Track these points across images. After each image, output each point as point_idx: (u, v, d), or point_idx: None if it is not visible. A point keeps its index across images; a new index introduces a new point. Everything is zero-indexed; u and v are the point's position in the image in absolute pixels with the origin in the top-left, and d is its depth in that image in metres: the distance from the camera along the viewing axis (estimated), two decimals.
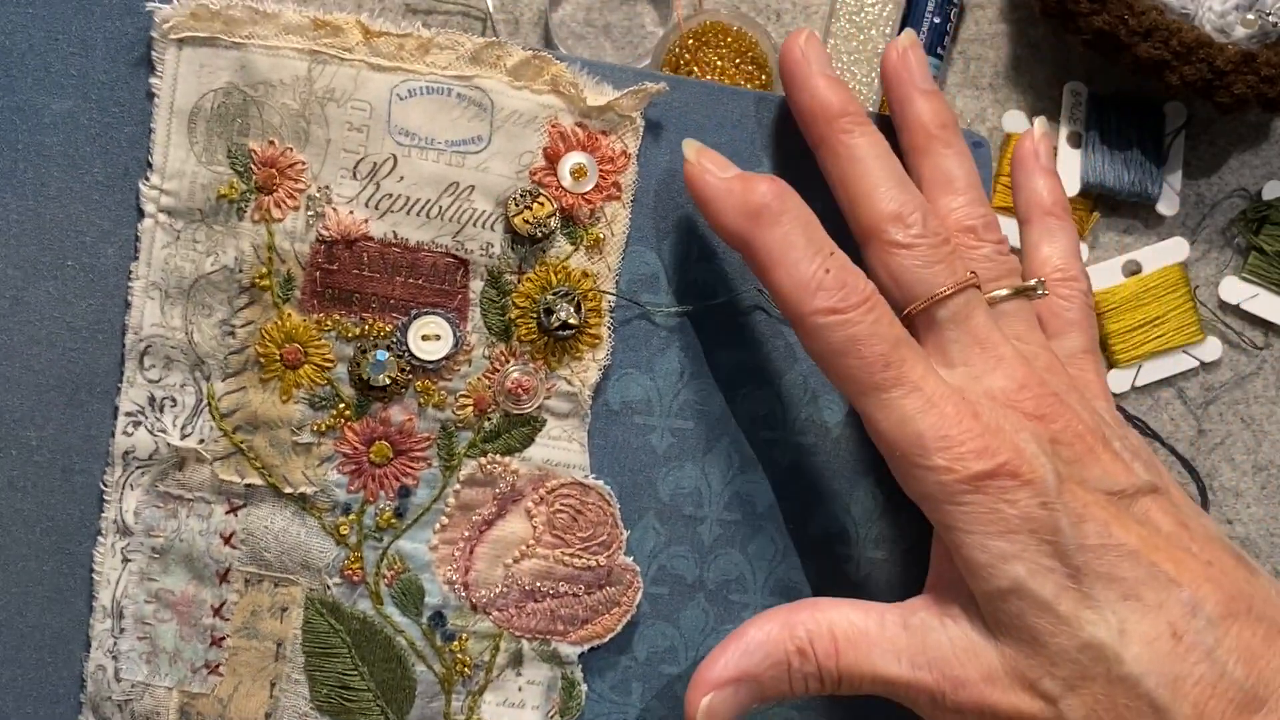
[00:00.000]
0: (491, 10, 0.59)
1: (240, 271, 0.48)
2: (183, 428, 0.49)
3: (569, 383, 0.49)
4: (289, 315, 0.48)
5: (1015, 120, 0.60)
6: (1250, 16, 0.56)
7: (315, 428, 0.48)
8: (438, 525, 0.49)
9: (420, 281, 0.48)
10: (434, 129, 0.48)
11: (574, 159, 0.49)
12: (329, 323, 0.48)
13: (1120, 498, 0.43)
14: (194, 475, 0.48)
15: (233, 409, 0.49)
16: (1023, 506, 0.41)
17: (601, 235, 0.49)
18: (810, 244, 0.44)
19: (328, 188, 0.48)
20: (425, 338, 0.48)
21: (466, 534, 0.49)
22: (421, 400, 0.48)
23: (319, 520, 0.48)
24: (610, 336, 0.50)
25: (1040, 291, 0.49)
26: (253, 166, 0.48)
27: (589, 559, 0.49)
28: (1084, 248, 0.60)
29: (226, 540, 0.49)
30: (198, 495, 0.48)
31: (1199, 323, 0.60)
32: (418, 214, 0.48)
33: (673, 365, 0.51)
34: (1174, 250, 0.60)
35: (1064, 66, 0.61)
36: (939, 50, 0.59)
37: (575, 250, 0.49)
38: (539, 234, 0.48)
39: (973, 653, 0.42)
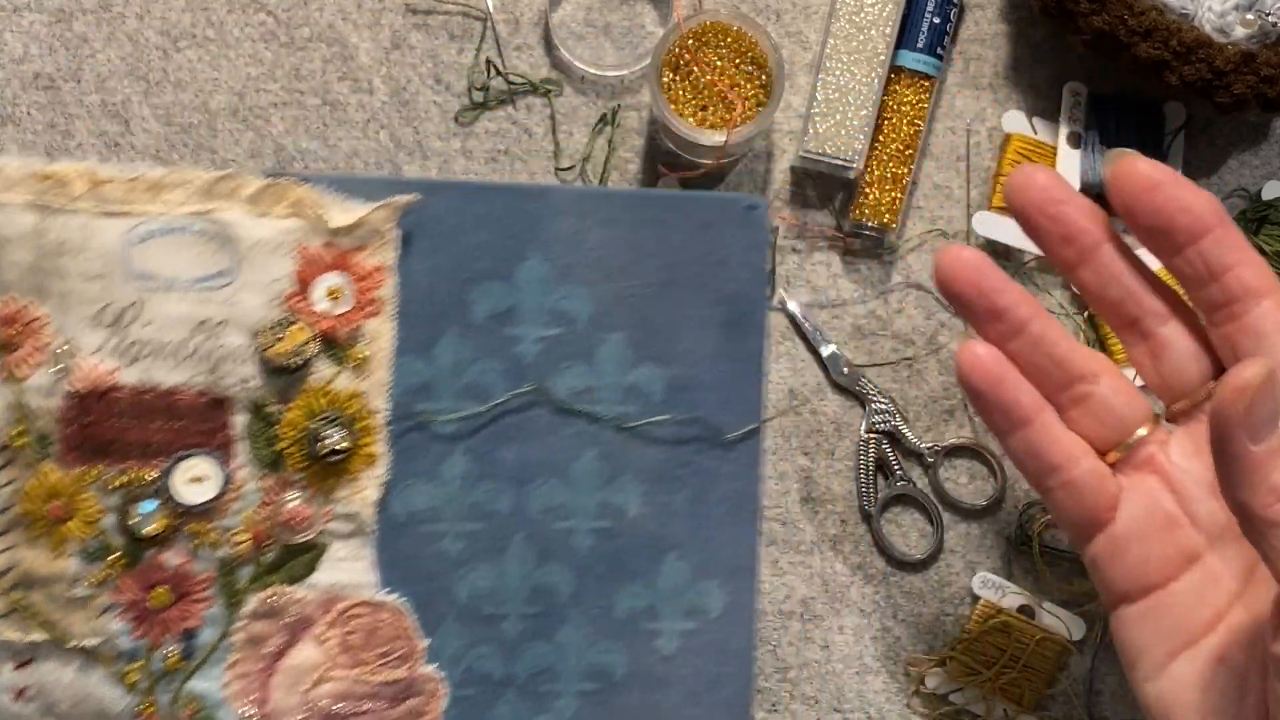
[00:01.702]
0: (491, 10, 0.59)
1: None
2: None
3: (348, 504, 0.48)
4: (49, 472, 0.47)
5: (1015, 120, 0.59)
6: (1250, 16, 0.55)
7: (91, 580, 0.47)
8: (228, 662, 0.48)
9: (180, 424, 0.47)
10: (176, 268, 0.46)
11: (327, 281, 0.47)
12: (91, 475, 0.47)
13: None
14: None
15: (6, 568, 0.48)
16: None
17: (365, 353, 0.48)
18: None
19: (73, 340, 0.46)
20: (193, 480, 0.47)
21: (259, 667, 0.48)
22: (195, 542, 0.47)
23: (107, 670, 0.47)
24: (387, 452, 0.49)
25: None
26: None
27: (387, 675, 0.48)
28: None
29: (18, 695, 0.48)
30: None
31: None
32: (169, 356, 0.47)
33: (457, 470, 0.50)
34: None
35: (1064, 67, 0.59)
36: (939, 50, 0.57)
37: (340, 371, 0.48)
38: (296, 362, 0.47)
39: None
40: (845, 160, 0.56)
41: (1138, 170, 0.40)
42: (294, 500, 0.48)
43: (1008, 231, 0.58)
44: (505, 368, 0.50)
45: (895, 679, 0.57)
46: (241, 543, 0.48)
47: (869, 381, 0.57)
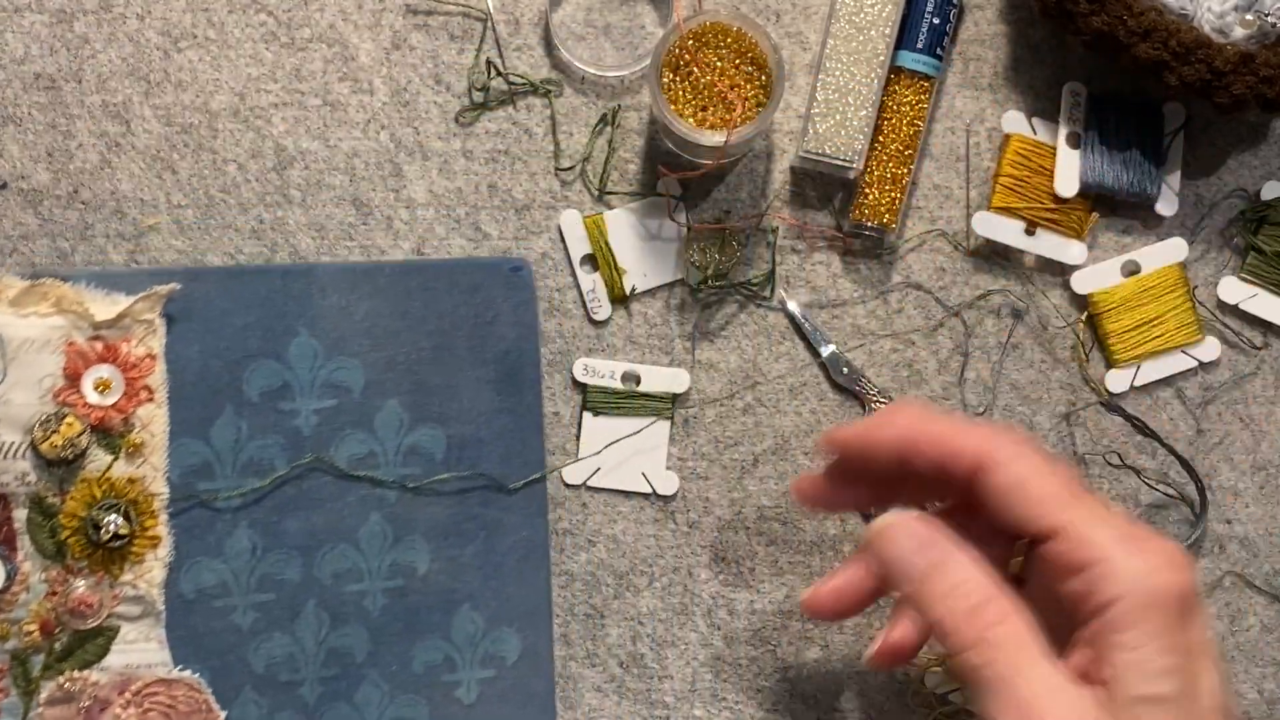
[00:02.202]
0: (492, 11, 0.60)
1: None
2: None
3: (134, 586, 0.50)
4: None
5: (1015, 120, 0.58)
6: (1249, 17, 0.55)
7: None
8: None
9: None
10: None
11: (96, 373, 0.49)
12: None
13: None
14: None
15: None
16: None
17: (139, 439, 0.49)
18: None
19: None
20: None
21: None
22: None
23: None
24: (170, 533, 0.50)
25: None
26: None
27: None
28: (1083, 248, 0.59)
29: None
30: None
31: (1198, 323, 0.58)
32: None
33: (243, 544, 0.51)
34: (1173, 250, 0.58)
35: (1063, 67, 0.58)
36: (938, 50, 0.57)
37: (116, 459, 0.49)
38: (70, 454, 0.48)
39: None
40: (845, 160, 0.56)
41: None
42: (80, 588, 0.49)
43: (1007, 231, 0.58)
44: (284, 441, 0.52)
45: (895, 679, 0.57)
46: (30, 633, 0.49)
47: (869, 381, 0.57)
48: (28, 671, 0.50)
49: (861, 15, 0.56)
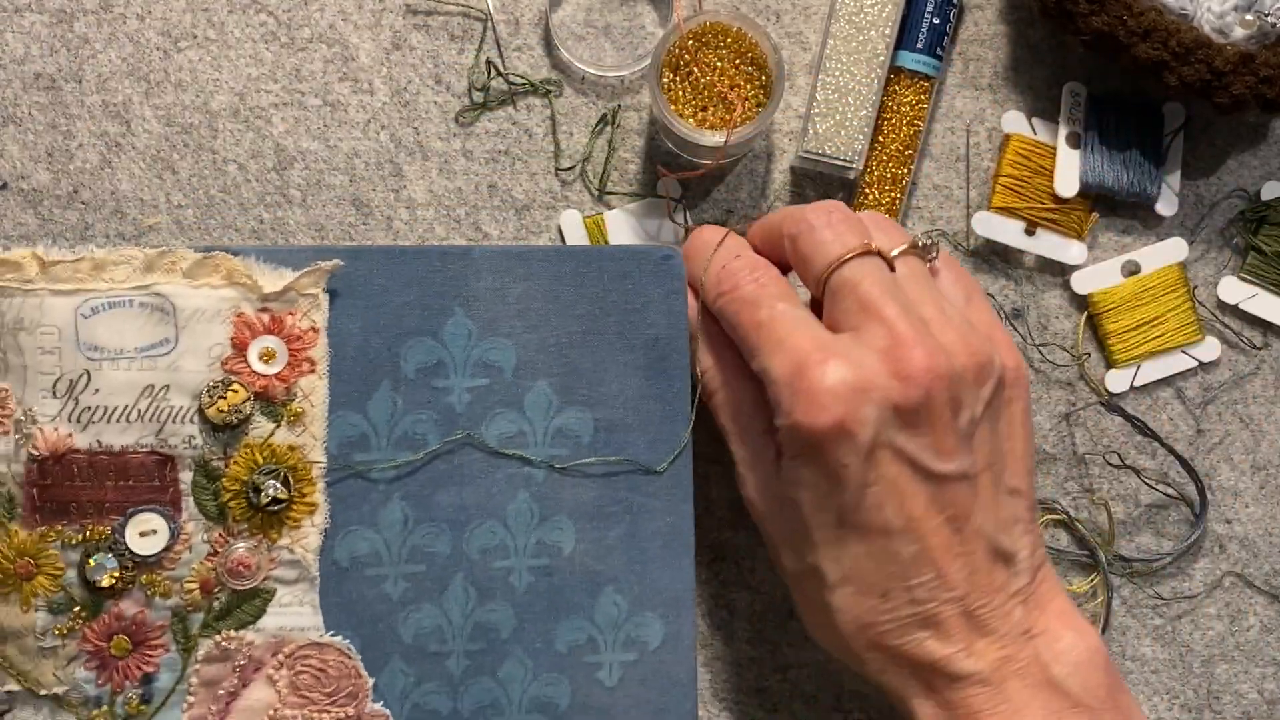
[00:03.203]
0: (492, 11, 0.60)
1: None
2: None
3: (291, 551, 0.51)
4: (16, 532, 0.50)
5: (1015, 121, 0.58)
6: (1249, 17, 0.55)
7: (57, 631, 0.50)
8: (184, 705, 0.50)
9: (131, 482, 0.50)
10: (122, 340, 0.49)
11: (261, 343, 0.50)
12: (53, 534, 0.50)
13: (929, 477, 0.45)
14: None
15: None
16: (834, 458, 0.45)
17: (300, 409, 0.51)
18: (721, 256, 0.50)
19: (32, 409, 0.49)
20: (143, 534, 0.50)
21: (214, 709, 0.50)
22: (149, 592, 0.50)
23: (75, 715, 0.50)
24: (326, 501, 0.51)
25: (933, 254, 0.50)
26: None
27: (337, 712, 0.51)
28: (1083, 248, 0.59)
29: None
30: None
31: (1198, 323, 0.58)
32: (118, 420, 0.49)
33: (395, 516, 0.52)
34: (1173, 250, 0.58)
35: (1063, 67, 0.58)
36: (938, 50, 0.57)
37: (277, 427, 0.50)
38: (234, 420, 0.50)
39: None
40: (845, 160, 0.56)
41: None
42: (239, 549, 0.51)
43: (1007, 231, 0.58)
44: (437, 418, 0.52)
45: None
46: (191, 591, 0.51)
47: None
48: (187, 629, 0.51)
49: (861, 15, 0.56)
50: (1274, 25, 0.53)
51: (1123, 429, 0.58)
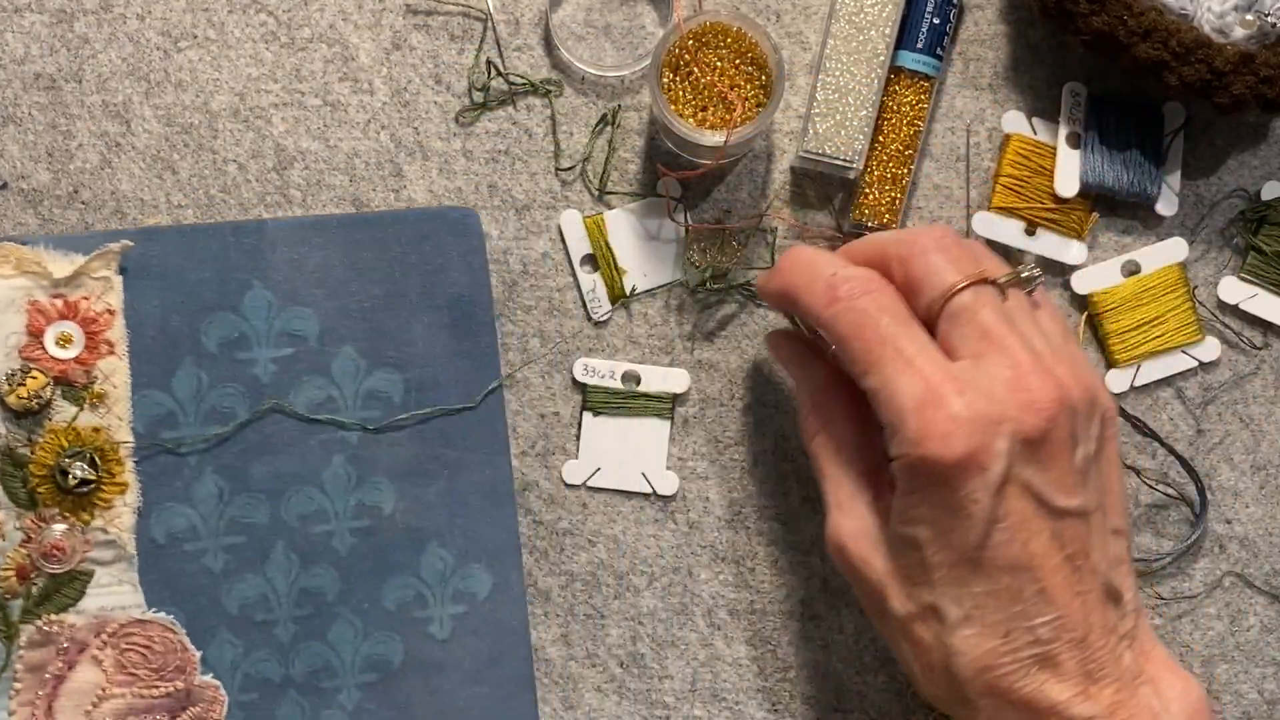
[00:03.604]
0: (492, 11, 0.60)
1: None
2: None
3: (105, 531, 0.51)
4: None
5: (1015, 121, 0.58)
6: (1249, 17, 0.55)
7: None
8: (11, 692, 0.51)
9: None
10: None
11: (57, 329, 0.51)
12: None
13: (1051, 513, 0.44)
14: None
15: None
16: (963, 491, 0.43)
17: (103, 390, 0.51)
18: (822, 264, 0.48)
19: None
20: None
21: (41, 694, 0.51)
22: None
23: None
24: (137, 479, 0.52)
25: (1035, 286, 0.49)
26: None
27: (165, 686, 0.51)
28: (1083, 248, 0.58)
29: None
30: None
31: (1198, 323, 0.58)
32: None
33: (209, 489, 0.52)
34: (1173, 250, 0.58)
35: (1063, 67, 0.58)
36: (939, 50, 0.56)
37: (81, 410, 0.51)
38: (35, 405, 0.51)
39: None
40: (845, 160, 0.56)
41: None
42: (53, 533, 0.51)
43: (1007, 231, 0.58)
44: (244, 390, 0.53)
45: (895, 679, 0.57)
46: (8, 578, 0.51)
47: None
48: (7, 616, 0.51)
49: (861, 15, 0.56)
50: (1274, 25, 0.53)
51: (1123, 429, 0.58)
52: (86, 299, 0.52)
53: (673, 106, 0.54)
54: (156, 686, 0.51)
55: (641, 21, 0.57)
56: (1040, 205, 0.57)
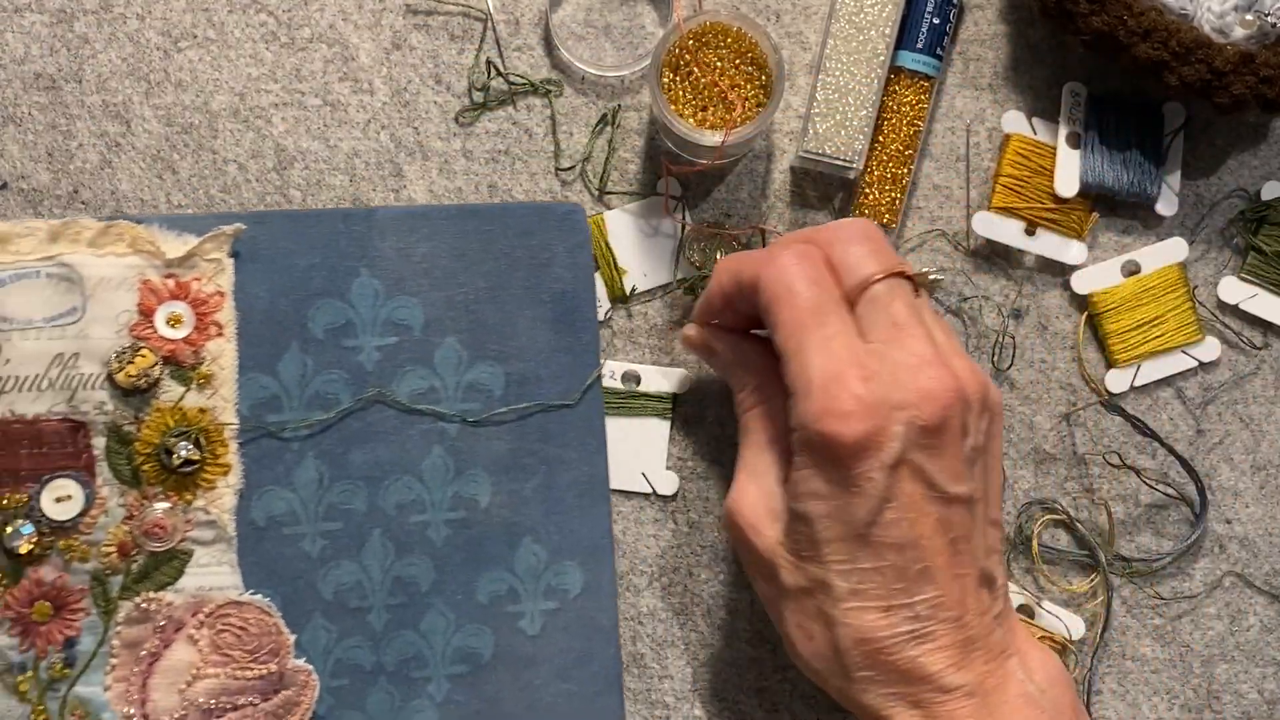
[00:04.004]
0: (492, 11, 0.60)
1: None
2: None
3: (207, 512, 0.52)
4: None
5: (1015, 120, 0.58)
6: (1249, 17, 0.55)
7: None
8: (108, 667, 0.51)
9: (45, 450, 0.51)
10: (30, 310, 0.50)
11: (168, 309, 0.51)
12: None
13: (940, 498, 0.46)
14: None
15: None
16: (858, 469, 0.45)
17: (210, 372, 0.52)
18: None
19: None
20: (58, 500, 0.51)
21: (137, 670, 0.51)
22: (67, 556, 0.51)
23: (1, 682, 0.51)
24: (240, 461, 0.52)
25: (935, 290, 0.52)
26: None
27: (259, 669, 0.51)
28: (1083, 248, 0.59)
29: None
30: None
31: (1198, 323, 0.58)
32: (29, 389, 0.50)
33: (310, 475, 0.53)
34: (1173, 250, 0.58)
35: (1063, 67, 0.58)
36: (938, 50, 0.56)
37: (188, 390, 0.51)
38: (144, 384, 0.51)
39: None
40: (845, 160, 0.56)
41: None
42: (155, 512, 0.51)
43: (1007, 231, 0.58)
44: (348, 377, 0.53)
45: None
46: (109, 554, 0.51)
47: None
48: (107, 592, 0.51)
49: (861, 15, 0.56)
50: (1274, 25, 0.53)
51: (1123, 429, 0.58)
52: (198, 280, 0.52)
53: (673, 106, 0.54)
54: (250, 668, 0.51)
55: (641, 21, 0.57)
56: (1040, 205, 0.57)
